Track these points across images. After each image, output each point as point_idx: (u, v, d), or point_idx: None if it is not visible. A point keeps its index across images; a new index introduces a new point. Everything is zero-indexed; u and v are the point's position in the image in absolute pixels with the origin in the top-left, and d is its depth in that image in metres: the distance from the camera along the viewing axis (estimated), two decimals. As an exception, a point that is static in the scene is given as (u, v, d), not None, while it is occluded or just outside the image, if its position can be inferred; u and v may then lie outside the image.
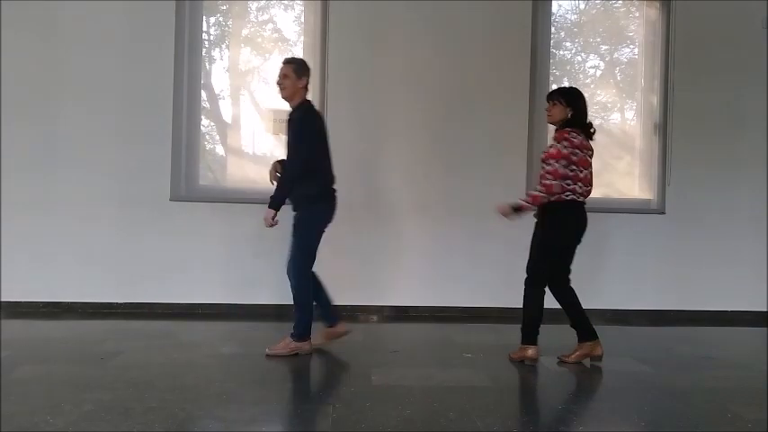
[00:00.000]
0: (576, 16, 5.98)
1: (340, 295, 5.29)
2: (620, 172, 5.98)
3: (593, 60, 6.15)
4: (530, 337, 3.83)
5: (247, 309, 5.15)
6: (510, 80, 5.42)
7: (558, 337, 4.36)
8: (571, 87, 3.98)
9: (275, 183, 3.89)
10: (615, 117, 6.10)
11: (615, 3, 6.00)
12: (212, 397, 3.00)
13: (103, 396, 2.93)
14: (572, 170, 3.76)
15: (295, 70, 3.86)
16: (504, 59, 5.40)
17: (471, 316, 5.26)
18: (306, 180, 3.80)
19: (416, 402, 3.00)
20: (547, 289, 3.93)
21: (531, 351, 3.81)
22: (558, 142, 3.74)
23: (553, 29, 5.69)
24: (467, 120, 5.41)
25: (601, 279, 5.42)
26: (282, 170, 3.89)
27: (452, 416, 2.81)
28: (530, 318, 3.84)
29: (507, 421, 2.77)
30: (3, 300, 4.95)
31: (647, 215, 5.60)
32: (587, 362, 3.88)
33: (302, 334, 3.87)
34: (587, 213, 3.95)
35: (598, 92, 6.01)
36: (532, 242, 3.90)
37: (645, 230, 5.54)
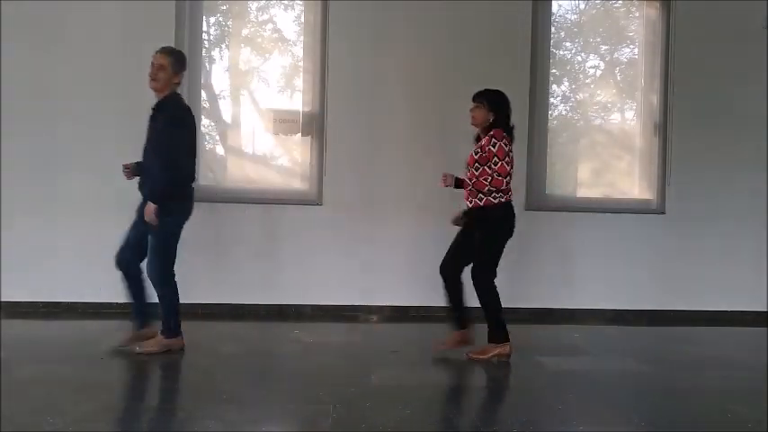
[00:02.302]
0: (576, 16, 5.98)
1: (340, 295, 5.30)
2: (620, 172, 5.98)
3: (593, 60, 6.15)
4: (504, 334, 3.82)
5: (247, 309, 5.15)
6: (510, 80, 5.40)
7: (555, 337, 4.37)
8: (496, 90, 3.94)
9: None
10: (615, 117, 6.09)
11: (615, 3, 6.00)
12: (212, 397, 3.00)
13: (103, 396, 2.93)
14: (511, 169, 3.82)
15: (172, 63, 3.78)
16: (504, 59, 5.40)
17: (471, 316, 5.24)
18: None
19: (416, 402, 3.00)
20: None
21: (508, 348, 3.81)
22: (499, 140, 3.77)
23: (553, 29, 5.69)
24: (467, 119, 5.39)
25: (601, 279, 5.42)
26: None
27: (452, 416, 2.81)
28: (497, 314, 3.84)
29: (507, 421, 2.77)
30: (3, 300, 4.95)
31: (647, 215, 5.59)
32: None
33: (174, 329, 3.77)
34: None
35: (598, 92, 6.01)
36: (473, 241, 3.88)
37: (645, 230, 5.54)
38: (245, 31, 5.75)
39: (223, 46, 5.77)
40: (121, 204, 5.10)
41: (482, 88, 3.93)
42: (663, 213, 5.58)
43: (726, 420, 2.87)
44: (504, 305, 5.16)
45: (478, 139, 3.98)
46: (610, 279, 5.44)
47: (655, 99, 5.72)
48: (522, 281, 5.42)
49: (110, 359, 3.64)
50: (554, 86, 5.78)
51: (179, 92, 3.94)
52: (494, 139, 3.79)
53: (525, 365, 3.81)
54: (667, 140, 5.58)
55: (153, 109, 3.87)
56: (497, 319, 3.82)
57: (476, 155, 3.87)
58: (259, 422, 2.77)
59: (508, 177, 3.76)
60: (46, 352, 3.82)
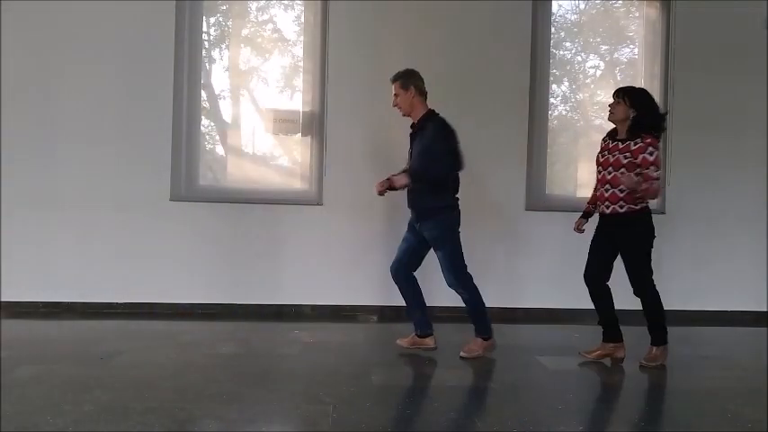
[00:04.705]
0: (576, 16, 5.98)
1: (340, 295, 5.29)
2: (620, 172, 5.97)
3: (593, 60, 6.15)
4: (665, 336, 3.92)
5: (247, 309, 5.15)
6: (510, 80, 5.42)
7: (555, 337, 4.37)
8: (638, 88, 3.95)
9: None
10: (615, 117, 6.09)
11: (615, 3, 6.00)
12: (212, 397, 3.00)
13: (103, 396, 2.94)
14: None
15: (402, 85, 3.95)
16: (504, 59, 5.40)
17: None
18: (438, 192, 3.89)
19: (416, 402, 3.00)
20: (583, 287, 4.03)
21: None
22: (656, 148, 3.73)
23: (553, 29, 5.69)
24: (466, 120, 5.37)
25: (601, 279, 5.41)
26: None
27: (452, 416, 2.81)
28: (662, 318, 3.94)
29: (507, 421, 2.77)
30: (3, 300, 4.95)
31: (647, 215, 5.58)
32: (608, 361, 3.89)
33: (487, 333, 3.93)
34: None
35: (598, 92, 6.01)
36: (625, 253, 3.94)
37: (645, 230, 5.53)
38: (245, 31, 5.75)
39: (223, 46, 5.77)
40: (121, 204, 5.13)
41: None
42: (663, 213, 5.58)
43: (726, 420, 2.87)
44: (503, 305, 5.19)
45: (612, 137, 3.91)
46: (610, 279, 5.43)
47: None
48: (522, 281, 5.43)
49: (110, 359, 3.64)
50: (554, 86, 5.78)
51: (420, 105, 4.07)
52: (648, 146, 3.72)
53: (525, 365, 3.81)
54: (667, 140, 5.58)
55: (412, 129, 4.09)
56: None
57: (625, 160, 3.79)
58: (259, 422, 2.77)
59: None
60: (46, 352, 3.82)
